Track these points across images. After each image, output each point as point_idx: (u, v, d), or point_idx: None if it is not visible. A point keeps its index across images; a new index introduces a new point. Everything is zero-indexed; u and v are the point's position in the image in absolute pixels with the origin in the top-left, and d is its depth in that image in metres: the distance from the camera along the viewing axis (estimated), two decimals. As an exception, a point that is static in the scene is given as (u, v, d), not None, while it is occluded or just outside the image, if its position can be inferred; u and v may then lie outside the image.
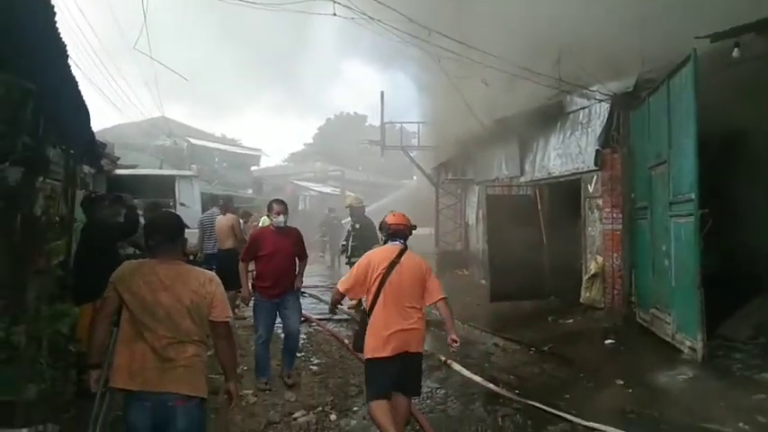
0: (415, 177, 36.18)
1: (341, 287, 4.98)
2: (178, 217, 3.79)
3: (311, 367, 7.87)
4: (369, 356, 4.75)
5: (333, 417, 5.95)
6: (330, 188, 40.77)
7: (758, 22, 6.20)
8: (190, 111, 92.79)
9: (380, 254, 4.92)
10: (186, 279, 3.32)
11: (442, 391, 6.87)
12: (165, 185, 16.42)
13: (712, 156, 8.38)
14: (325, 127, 61.85)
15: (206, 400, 3.43)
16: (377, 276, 4.72)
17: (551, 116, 11.58)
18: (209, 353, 3.55)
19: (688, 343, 7.43)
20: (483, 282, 13.75)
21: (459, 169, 17.71)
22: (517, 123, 11.98)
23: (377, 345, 4.66)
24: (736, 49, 6.66)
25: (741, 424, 5.60)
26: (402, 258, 4.82)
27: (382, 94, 24.15)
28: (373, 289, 4.73)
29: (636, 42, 9.68)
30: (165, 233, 3.43)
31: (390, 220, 5.09)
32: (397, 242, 4.97)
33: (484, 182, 15.08)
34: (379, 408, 4.59)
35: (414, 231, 5.12)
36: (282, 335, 7.03)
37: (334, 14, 6.57)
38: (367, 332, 4.75)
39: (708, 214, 6.88)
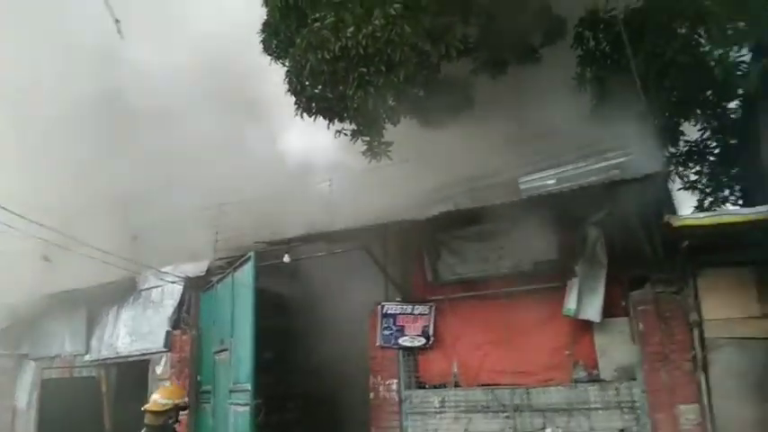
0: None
1: None
2: None
3: None
4: None
5: None
6: None
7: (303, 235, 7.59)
8: None
9: None
10: None
11: None
12: None
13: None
14: None
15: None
16: None
17: (124, 292, 11.13)
18: None
19: None
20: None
21: (13, 342, 15.00)
22: (85, 297, 11.08)
23: None
24: (286, 255, 7.81)
25: None
26: None
27: None
28: None
29: (212, 230, 10.36)
30: None
31: None
32: None
33: (42, 359, 13.09)
34: None
35: None
36: None
37: None
38: None
39: (262, 404, 7.39)
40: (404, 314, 8.20)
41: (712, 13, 6.33)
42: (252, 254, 7.79)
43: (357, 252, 8.19)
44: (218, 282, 9.33)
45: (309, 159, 9.36)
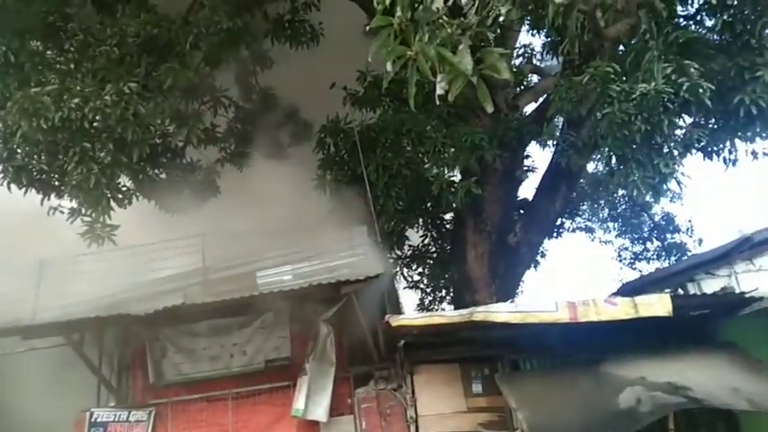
0: None
1: None
2: None
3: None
4: None
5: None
6: None
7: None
8: None
9: None
10: None
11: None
12: None
13: None
14: None
15: None
16: None
17: None
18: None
19: None
20: None
21: None
22: None
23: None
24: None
25: None
26: None
27: None
28: None
29: None
30: None
31: None
32: None
33: None
34: None
35: None
36: None
37: None
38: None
39: None
40: (117, 422, 7.15)
41: (430, 137, 7.33)
42: None
43: (68, 348, 7.06)
44: None
45: (14, 239, 8.00)
